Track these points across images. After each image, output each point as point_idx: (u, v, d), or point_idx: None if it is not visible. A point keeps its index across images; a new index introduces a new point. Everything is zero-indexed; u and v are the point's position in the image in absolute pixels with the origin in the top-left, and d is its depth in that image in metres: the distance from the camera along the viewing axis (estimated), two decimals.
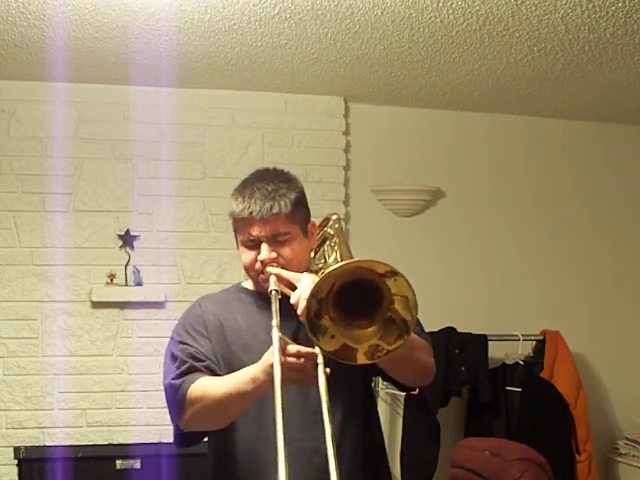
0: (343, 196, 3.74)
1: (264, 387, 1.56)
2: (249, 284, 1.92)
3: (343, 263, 1.47)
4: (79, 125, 3.46)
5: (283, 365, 1.49)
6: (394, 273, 1.44)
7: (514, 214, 3.99)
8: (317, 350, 1.51)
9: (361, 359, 1.50)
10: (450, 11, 2.60)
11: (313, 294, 1.46)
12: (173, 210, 3.53)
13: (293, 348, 1.54)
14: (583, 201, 4.08)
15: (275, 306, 1.62)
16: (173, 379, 1.72)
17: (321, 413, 1.57)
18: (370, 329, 1.50)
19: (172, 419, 1.75)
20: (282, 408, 1.42)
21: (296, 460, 1.63)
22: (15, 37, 2.84)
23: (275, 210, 1.74)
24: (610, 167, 4.13)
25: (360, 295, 1.48)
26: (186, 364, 1.72)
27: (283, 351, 1.52)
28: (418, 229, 3.88)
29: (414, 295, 1.45)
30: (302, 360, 1.53)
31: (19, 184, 3.40)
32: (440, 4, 2.54)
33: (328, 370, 1.52)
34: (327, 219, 2.01)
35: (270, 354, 1.54)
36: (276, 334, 1.54)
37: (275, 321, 1.57)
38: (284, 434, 1.50)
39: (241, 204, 1.76)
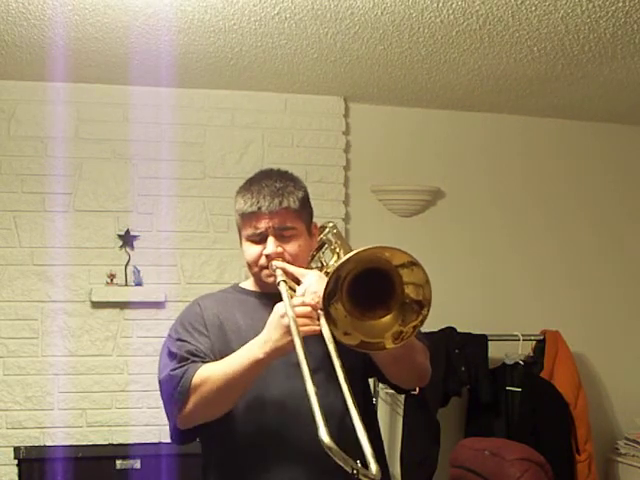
0: (343, 196, 3.74)
1: (275, 348, 1.58)
2: (247, 284, 1.92)
3: (368, 247, 1.49)
4: (79, 125, 3.46)
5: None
6: (412, 263, 1.49)
7: (514, 214, 3.99)
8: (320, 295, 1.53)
9: (390, 345, 1.53)
10: (450, 11, 2.60)
11: (335, 272, 1.47)
12: (173, 210, 3.53)
13: (298, 299, 1.61)
14: (583, 201, 4.08)
15: (287, 296, 1.62)
16: (173, 370, 1.70)
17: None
18: (386, 318, 1.53)
19: (170, 413, 1.73)
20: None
21: (297, 453, 1.64)
22: (15, 37, 2.84)
23: (284, 204, 1.76)
24: (609, 167, 4.13)
25: (370, 286, 1.50)
26: (185, 360, 1.71)
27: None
28: (418, 229, 3.88)
29: (428, 280, 1.51)
30: (309, 309, 1.58)
31: (19, 184, 3.40)
32: (440, 4, 2.54)
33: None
34: (323, 227, 2.02)
35: (278, 308, 1.59)
36: (284, 286, 1.64)
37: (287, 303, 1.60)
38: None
39: (249, 200, 1.76)
